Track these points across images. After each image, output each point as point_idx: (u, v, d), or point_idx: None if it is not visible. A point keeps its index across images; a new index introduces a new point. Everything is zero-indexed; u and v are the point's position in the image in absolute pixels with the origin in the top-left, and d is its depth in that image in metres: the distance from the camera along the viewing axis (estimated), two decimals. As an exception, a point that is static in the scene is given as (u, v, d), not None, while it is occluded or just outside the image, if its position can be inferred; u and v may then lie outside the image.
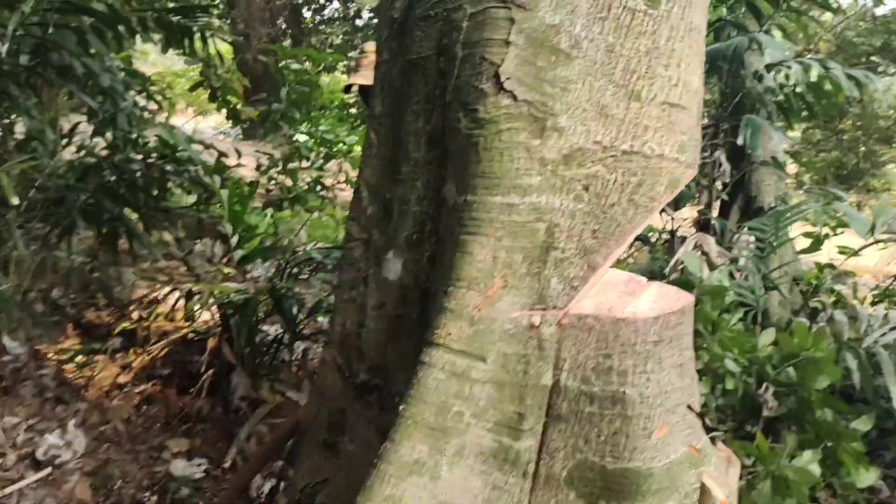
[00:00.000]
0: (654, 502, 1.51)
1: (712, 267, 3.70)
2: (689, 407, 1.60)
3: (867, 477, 3.64)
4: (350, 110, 9.32)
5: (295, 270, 3.51)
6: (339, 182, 5.01)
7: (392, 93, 1.68)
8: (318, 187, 4.92)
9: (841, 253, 4.92)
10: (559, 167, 1.47)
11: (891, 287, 5.49)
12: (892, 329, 3.89)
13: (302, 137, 4.86)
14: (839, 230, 4.86)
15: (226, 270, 3.55)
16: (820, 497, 3.48)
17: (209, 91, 4.99)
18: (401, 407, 1.45)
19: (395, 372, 1.69)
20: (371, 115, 1.72)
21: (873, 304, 4.76)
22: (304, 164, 4.89)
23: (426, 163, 1.61)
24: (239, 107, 5.44)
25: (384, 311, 1.69)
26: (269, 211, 4.60)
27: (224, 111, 5.31)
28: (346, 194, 5.33)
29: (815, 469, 3.38)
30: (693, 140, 1.56)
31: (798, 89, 4.74)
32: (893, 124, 15.46)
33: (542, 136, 1.45)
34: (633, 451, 1.49)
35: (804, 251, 4.81)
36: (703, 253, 3.98)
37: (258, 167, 5.05)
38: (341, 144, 4.80)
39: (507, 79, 1.43)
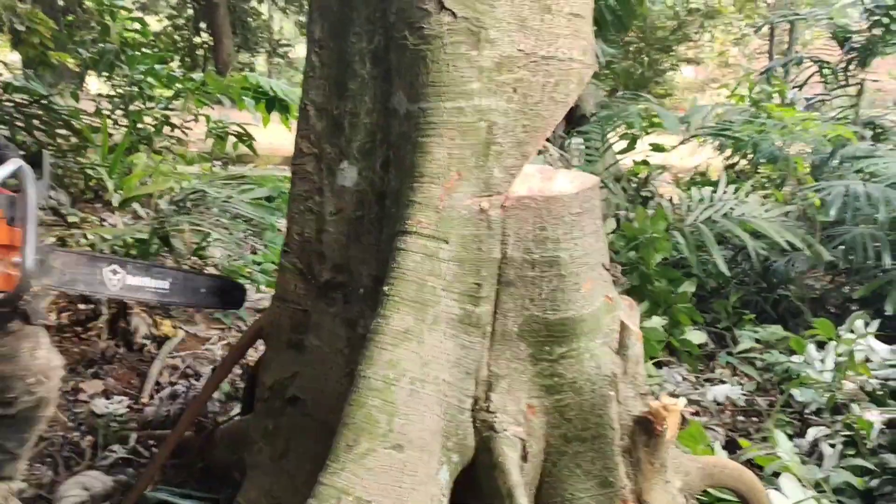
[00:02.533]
0: (586, 341, 1.87)
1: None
2: (604, 265, 1.97)
3: (699, 335, 4.33)
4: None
5: (182, 206, 3.55)
6: (186, 120, 4.96)
7: (330, 18, 1.86)
8: (166, 127, 4.86)
9: (655, 150, 5.58)
10: (493, 73, 1.74)
11: (695, 175, 6.28)
12: (706, 208, 4.56)
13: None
14: (650, 130, 5.47)
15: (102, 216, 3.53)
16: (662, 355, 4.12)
17: (10, 37, 4.73)
18: (385, 287, 1.70)
19: (357, 268, 1.92)
20: (312, 39, 1.90)
21: (686, 190, 5.48)
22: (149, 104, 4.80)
23: (372, 78, 1.82)
24: (51, 52, 5.16)
25: (343, 215, 1.91)
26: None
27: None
28: (198, 132, 5.29)
29: (660, 329, 3.99)
30: (590, 44, 1.89)
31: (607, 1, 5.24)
32: (670, 34, 16.92)
33: (478, 47, 1.72)
34: (568, 303, 1.84)
35: (622, 151, 5.43)
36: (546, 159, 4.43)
37: (97, 111, 4.88)
38: (188, 82, 4.74)
39: (447, -1, 1.67)
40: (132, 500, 2.22)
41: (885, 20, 5.39)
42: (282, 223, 4.79)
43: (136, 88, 4.75)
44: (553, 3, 1.78)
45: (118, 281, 2.05)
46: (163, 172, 3.86)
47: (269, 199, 4.77)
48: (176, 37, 18.33)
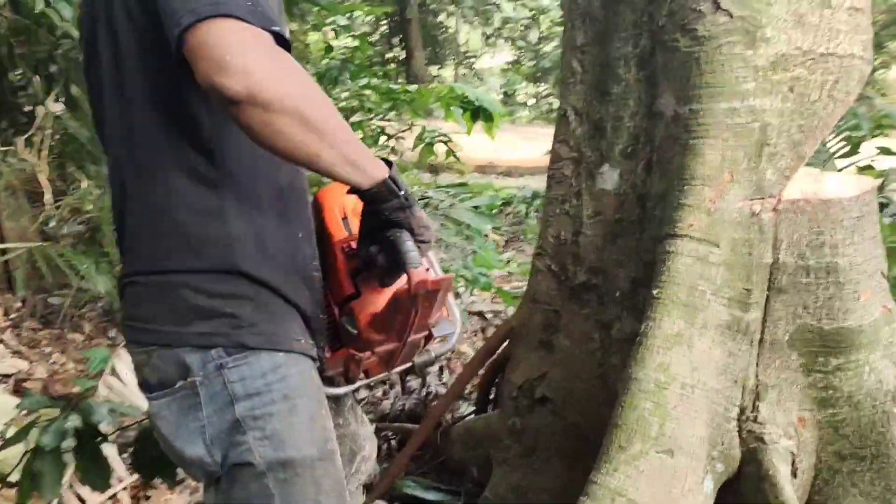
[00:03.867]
0: (866, 353, 1.77)
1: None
2: (882, 273, 1.85)
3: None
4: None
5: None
6: (402, 130, 5.19)
7: (594, 24, 1.88)
8: (383, 137, 5.11)
9: (883, 153, 5.14)
10: (768, 73, 1.69)
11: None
12: None
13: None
14: (876, 133, 5.03)
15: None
16: None
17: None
18: (654, 291, 1.69)
19: (614, 270, 1.93)
20: (572, 46, 1.93)
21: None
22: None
23: (636, 82, 1.83)
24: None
25: (601, 218, 1.93)
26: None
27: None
28: (407, 142, 5.52)
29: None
30: (869, 39, 1.78)
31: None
32: (881, 30, 15.61)
33: (754, 46, 1.67)
34: (846, 313, 1.75)
35: (843, 156, 5.05)
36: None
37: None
38: (405, 93, 4.97)
39: (723, -1, 1.64)
40: (383, 489, 2.35)
41: None
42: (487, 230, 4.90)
43: (357, 101, 5.04)
44: (833, -3, 1.70)
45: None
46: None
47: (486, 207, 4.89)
48: (369, 52, 19.29)
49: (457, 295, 4.08)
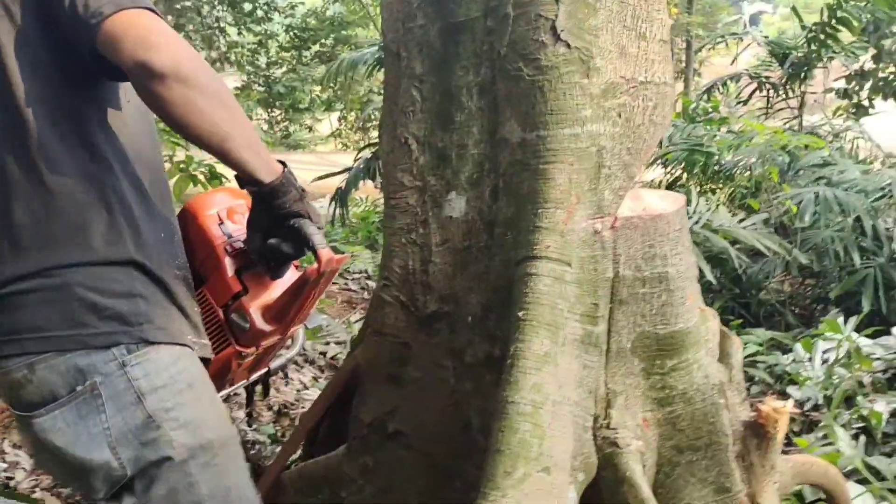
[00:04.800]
0: (693, 352, 1.94)
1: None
2: (696, 278, 2.05)
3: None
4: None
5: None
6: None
7: (432, 53, 1.88)
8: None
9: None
10: (601, 100, 1.81)
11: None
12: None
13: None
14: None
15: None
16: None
17: None
18: (519, 313, 1.72)
19: (465, 297, 1.94)
20: (410, 75, 1.91)
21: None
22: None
23: (479, 110, 1.86)
24: None
25: (449, 245, 1.92)
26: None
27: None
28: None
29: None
30: (672, 68, 1.98)
31: None
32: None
33: (588, 75, 1.78)
34: (677, 317, 1.91)
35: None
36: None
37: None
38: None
39: (562, 31, 1.73)
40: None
41: (822, 36, 5.78)
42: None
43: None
44: (647, 30, 1.86)
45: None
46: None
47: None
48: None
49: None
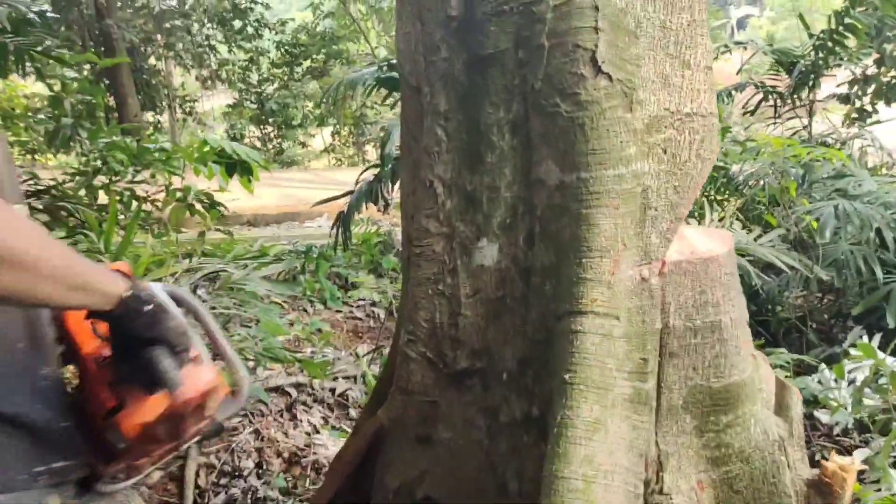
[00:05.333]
0: (748, 406, 1.78)
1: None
2: (747, 323, 1.89)
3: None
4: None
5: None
6: (157, 192, 4.66)
7: (458, 88, 1.72)
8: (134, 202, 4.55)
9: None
10: (644, 135, 1.65)
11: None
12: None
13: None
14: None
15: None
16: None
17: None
18: (566, 375, 1.56)
19: (499, 351, 1.77)
20: (434, 112, 1.75)
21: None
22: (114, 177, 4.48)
23: (511, 149, 1.69)
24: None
25: (481, 296, 1.76)
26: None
27: None
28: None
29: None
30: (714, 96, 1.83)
31: None
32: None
33: (631, 109, 1.62)
34: (731, 369, 1.75)
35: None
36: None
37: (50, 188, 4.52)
38: (157, 153, 4.46)
39: (603, 62, 1.57)
40: None
41: (829, 43, 5.64)
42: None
43: (99, 162, 4.43)
44: (691, 57, 1.71)
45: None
46: (170, 253, 3.57)
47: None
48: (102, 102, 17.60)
49: (252, 371, 3.69)
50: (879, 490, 2.61)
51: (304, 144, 20.68)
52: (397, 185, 5.73)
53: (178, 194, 4.91)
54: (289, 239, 6.38)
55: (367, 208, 5.57)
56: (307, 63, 19.01)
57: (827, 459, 1.81)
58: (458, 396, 1.84)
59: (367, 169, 5.78)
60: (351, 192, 5.56)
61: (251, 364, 3.78)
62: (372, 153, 19.39)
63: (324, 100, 6.13)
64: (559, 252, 1.64)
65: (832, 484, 1.76)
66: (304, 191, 12.10)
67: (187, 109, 20.17)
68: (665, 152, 1.68)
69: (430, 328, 1.82)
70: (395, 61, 5.44)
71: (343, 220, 5.54)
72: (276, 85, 19.20)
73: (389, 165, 5.18)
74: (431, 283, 1.80)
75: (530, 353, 1.74)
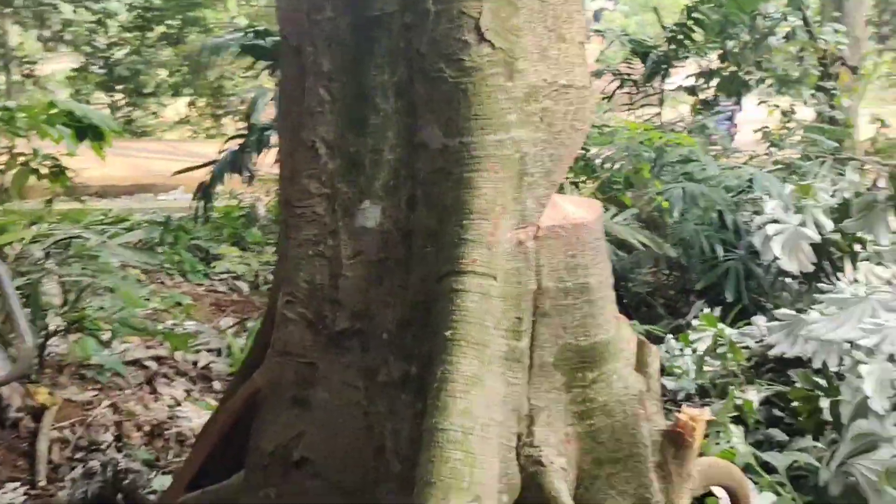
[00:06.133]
0: (613, 362, 1.90)
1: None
2: (611, 286, 2.01)
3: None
4: None
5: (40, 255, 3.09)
6: (-2, 154, 4.31)
7: (342, 50, 1.72)
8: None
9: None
10: (523, 104, 1.72)
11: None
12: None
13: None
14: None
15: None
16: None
17: None
18: (447, 332, 1.61)
19: (380, 312, 1.80)
20: (317, 72, 1.74)
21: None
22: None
23: (395, 113, 1.72)
24: None
25: (362, 258, 1.78)
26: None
27: None
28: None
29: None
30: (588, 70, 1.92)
31: None
32: None
33: (512, 78, 1.68)
34: (598, 328, 1.86)
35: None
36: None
37: None
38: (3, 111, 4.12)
39: (487, 30, 1.62)
40: None
41: (680, 36, 6.02)
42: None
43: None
44: (567, 32, 1.79)
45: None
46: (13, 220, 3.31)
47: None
48: None
49: (107, 343, 3.53)
50: (719, 444, 2.85)
51: (156, 114, 19.69)
52: (261, 156, 5.62)
53: (22, 158, 4.56)
54: (143, 211, 6.09)
55: (231, 179, 5.42)
56: (161, 28, 18.07)
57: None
58: (336, 358, 1.85)
59: (231, 138, 5.62)
60: (214, 163, 5.39)
61: (106, 336, 3.61)
62: (230, 126, 18.77)
63: (185, 65, 5.88)
64: (441, 214, 1.68)
65: (684, 433, 1.92)
66: (159, 162, 11.54)
67: (26, 71, 18.72)
68: (542, 121, 1.76)
69: (309, 289, 1.82)
70: (260, 28, 5.31)
71: (204, 192, 5.37)
72: (126, 50, 18.13)
73: (256, 135, 5.07)
74: (312, 244, 1.80)
75: (410, 314, 1.78)
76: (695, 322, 4.46)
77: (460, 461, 1.54)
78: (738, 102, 7.04)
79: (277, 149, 5.61)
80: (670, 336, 4.46)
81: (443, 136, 1.67)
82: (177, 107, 19.54)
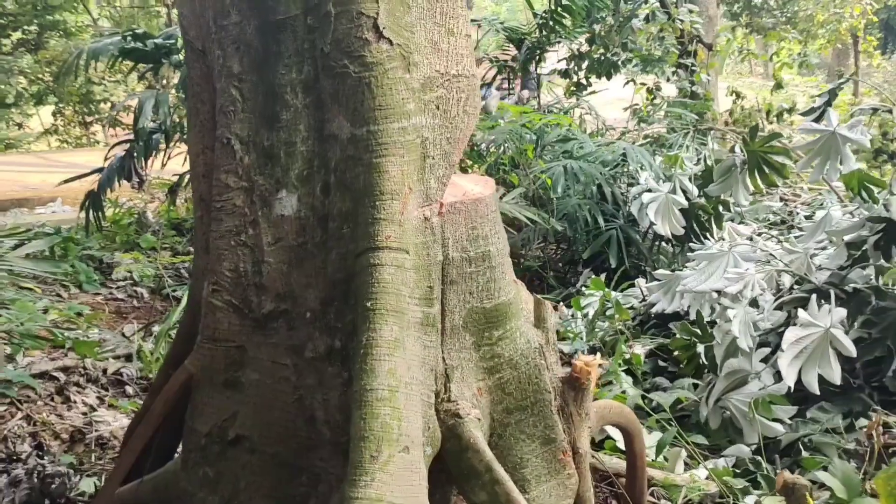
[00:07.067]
0: (515, 321, 2.13)
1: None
2: (507, 253, 2.23)
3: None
4: None
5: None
6: None
7: (251, 52, 1.85)
8: None
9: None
10: (420, 94, 1.91)
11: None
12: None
13: None
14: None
15: None
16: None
17: None
18: (367, 303, 1.78)
19: (302, 293, 1.95)
20: (228, 74, 1.86)
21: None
22: None
23: (305, 107, 1.87)
24: None
25: (283, 243, 1.92)
26: None
27: None
28: None
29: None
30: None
31: None
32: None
33: (409, 70, 1.87)
34: (500, 291, 2.08)
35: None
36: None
37: None
38: None
39: (384, 28, 1.80)
40: None
41: (550, 22, 6.36)
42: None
43: None
44: (454, 26, 1.99)
45: None
46: None
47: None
48: None
49: (10, 359, 3.49)
50: (612, 391, 3.15)
51: (20, 126, 18.73)
52: (150, 161, 5.57)
53: None
54: (29, 226, 5.91)
55: (119, 185, 5.36)
56: (18, 35, 17.18)
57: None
58: (264, 339, 1.99)
59: (115, 145, 5.54)
60: (100, 170, 5.32)
61: (8, 351, 3.57)
62: (101, 133, 18.07)
63: (63, 73, 5.73)
64: (355, 198, 1.85)
65: (580, 378, 2.16)
66: (30, 175, 11.08)
67: None
68: (438, 108, 1.95)
69: (234, 277, 1.95)
70: (139, 31, 5.26)
71: (93, 200, 5.29)
72: (-15, 54, 17.14)
73: (143, 140, 5.04)
74: (233, 234, 1.93)
75: (331, 292, 1.94)
76: (584, 289, 4.80)
77: (389, 416, 1.72)
78: (590, 82, 7.44)
79: (164, 154, 5.54)
80: (562, 304, 4.78)
81: (351, 127, 1.83)
82: (41, 116, 18.66)
